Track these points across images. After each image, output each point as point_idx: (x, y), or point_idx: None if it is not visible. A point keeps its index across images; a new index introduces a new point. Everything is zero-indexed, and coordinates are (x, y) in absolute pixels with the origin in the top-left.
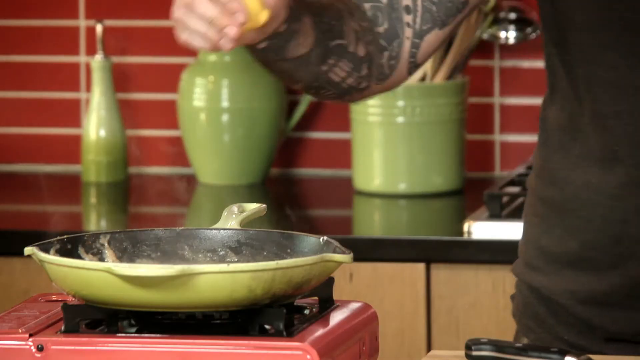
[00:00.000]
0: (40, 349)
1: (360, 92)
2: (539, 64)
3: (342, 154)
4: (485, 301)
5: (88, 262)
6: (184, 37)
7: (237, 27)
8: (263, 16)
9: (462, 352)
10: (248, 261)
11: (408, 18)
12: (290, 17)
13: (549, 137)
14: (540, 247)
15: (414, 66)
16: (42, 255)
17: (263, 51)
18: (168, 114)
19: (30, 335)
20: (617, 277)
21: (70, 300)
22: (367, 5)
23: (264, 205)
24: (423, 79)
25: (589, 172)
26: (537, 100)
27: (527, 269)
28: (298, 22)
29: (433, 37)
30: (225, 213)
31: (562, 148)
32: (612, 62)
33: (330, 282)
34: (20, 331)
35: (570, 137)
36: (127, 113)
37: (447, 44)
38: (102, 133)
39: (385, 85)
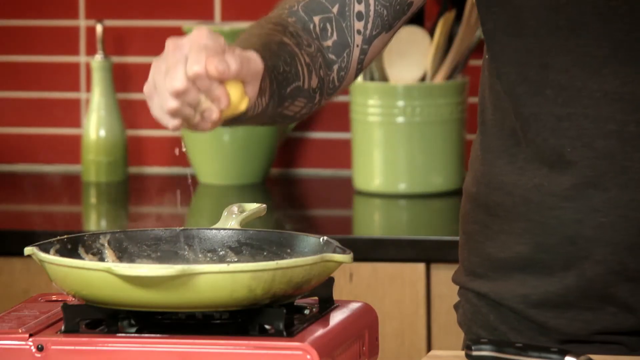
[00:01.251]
0: (40, 349)
1: (309, 112)
2: None
3: (342, 154)
4: None
5: (88, 262)
6: (156, 113)
7: (218, 112)
8: (243, 104)
9: (462, 352)
10: (248, 261)
11: (359, 25)
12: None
13: (490, 142)
14: (485, 255)
15: (359, 71)
16: (42, 255)
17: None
18: None
19: (30, 335)
20: (572, 278)
21: (70, 300)
22: (316, 19)
23: (264, 205)
24: (423, 79)
25: (538, 175)
26: None
27: (470, 277)
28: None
29: (379, 41)
30: (225, 213)
31: (506, 152)
32: (563, 65)
33: (330, 282)
34: (20, 331)
35: (514, 142)
36: (127, 113)
37: (447, 43)
38: (102, 133)
39: (332, 97)
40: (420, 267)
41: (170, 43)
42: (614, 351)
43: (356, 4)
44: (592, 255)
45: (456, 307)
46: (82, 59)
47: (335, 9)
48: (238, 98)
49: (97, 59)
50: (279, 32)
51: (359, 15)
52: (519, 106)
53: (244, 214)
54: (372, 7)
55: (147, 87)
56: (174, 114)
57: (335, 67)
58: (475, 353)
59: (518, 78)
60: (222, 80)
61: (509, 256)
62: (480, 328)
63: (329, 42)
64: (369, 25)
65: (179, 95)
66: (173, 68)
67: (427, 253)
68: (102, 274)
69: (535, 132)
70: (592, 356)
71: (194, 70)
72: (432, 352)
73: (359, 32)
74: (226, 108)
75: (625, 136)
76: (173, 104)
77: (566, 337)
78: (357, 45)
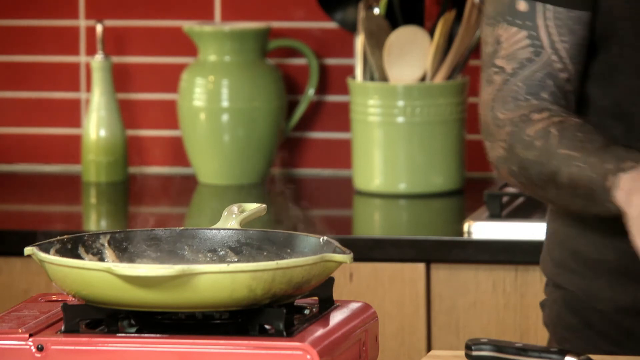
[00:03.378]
0: (40, 349)
1: None
2: None
3: (342, 154)
4: (485, 301)
5: (88, 262)
6: None
7: None
8: None
9: (462, 352)
10: (248, 261)
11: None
12: None
13: None
14: (576, 251)
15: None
16: (42, 255)
17: None
18: (168, 114)
19: (30, 335)
20: None
21: (70, 300)
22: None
23: (264, 205)
24: (423, 79)
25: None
26: None
27: (561, 270)
28: None
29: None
30: (225, 213)
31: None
32: None
33: (330, 282)
34: (20, 331)
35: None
36: (127, 113)
37: (447, 43)
38: (102, 133)
39: None
40: (420, 267)
41: None
42: None
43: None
44: None
45: (542, 305)
46: (82, 59)
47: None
48: None
49: (97, 59)
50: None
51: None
52: (617, 109)
53: (244, 214)
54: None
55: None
56: None
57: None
58: (475, 353)
59: (616, 83)
60: None
61: (599, 258)
62: (565, 330)
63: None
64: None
65: None
66: None
67: (427, 253)
68: (102, 274)
69: (629, 133)
70: (592, 356)
71: None
72: (432, 352)
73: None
74: None
75: None
76: None
77: None
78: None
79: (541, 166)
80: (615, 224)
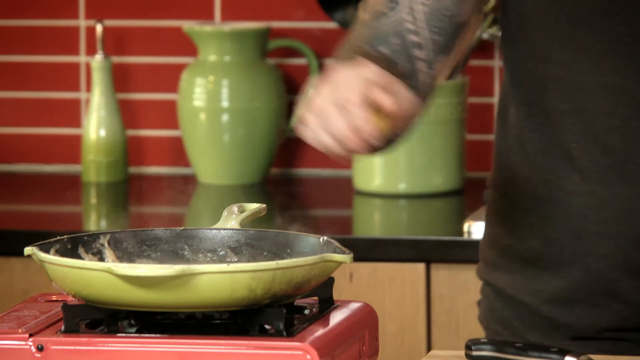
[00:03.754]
0: (40, 349)
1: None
2: None
3: None
4: None
5: (88, 262)
6: (313, 134)
7: (363, 148)
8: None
9: (462, 352)
10: (248, 261)
11: None
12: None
13: (506, 136)
14: (505, 246)
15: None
16: (42, 255)
17: None
18: (168, 114)
19: (30, 335)
20: (578, 274)
21: (70, 300)
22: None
23: (264, 205)
24: None
25: (545, 170)
26: None
27: (490, 269)
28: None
29: None
30: (225, 213)
31: (520, 146)
32: (564, 59)
33: (330, 282)
34: (20, 331)
35: (528, 137)
36: (127, 113)
37: None
38: (102, 133)
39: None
40: (420, 267)
41: (341, 74)
42: (622, 347)
43: None
44: (596, 250)
45: (479, 303)
46: (82, 59)
47: None
48: (384, 131)
49: (97, 59)
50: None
51: None
52: (529, 99)
53: (244, 214)
54: None
55: (311, 107)
56: (324, 148)
57: None
58: (475, 353)
59: (526, 72)
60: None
61: (523, 250)
62: (497, 324)
63: None
64: None
65: (337, 139)
66: (338, 109)
67: (427, 253)
68: (102, 274)
69: (544, 126)
70: (592, 356)
71: (358, 125)
72: (432, 352)
73: None
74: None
75: (628, 131)
76: (328, 142)
77: (575, 334)
78: None
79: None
80: (538, 213)
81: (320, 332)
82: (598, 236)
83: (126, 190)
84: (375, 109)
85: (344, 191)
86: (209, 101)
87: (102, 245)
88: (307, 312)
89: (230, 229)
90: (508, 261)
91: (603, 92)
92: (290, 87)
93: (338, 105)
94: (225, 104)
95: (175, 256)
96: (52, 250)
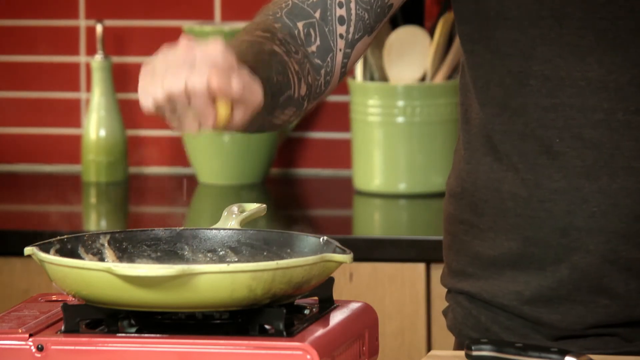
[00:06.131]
0: (40, 349)
1: (296, 119)
2: None
3: (342, 154)
4: None
5: (88, 262)
6: (142, 91)
7: (197, 127)
8: (224, 123)
9: (462, 352)
10: (248, 261)
11: (341, 29)
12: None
13: (472, 139)
14: (474, 253)
15: (343, 74)
16: (42, 255)
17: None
18: None
19: (30, 335)
20: (565, 271)
21: (70, 300)
22: (300, 25)
23: (264, 205)
24: (423, 79)
25: (522, 169)
26: None
27: (459, 278)
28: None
29: (362, 44)
30: (225, 213)
31: (491, 149)
32: (546, 55)
33: (330, 282)
34: (20, 331)
35: (499, 138)
36: (127, 113)
37: (447, 43)
38: (102, 133)
39: (317, 102)
40: (420, 267)
41: (185, 43)
42: (609, 343)
43: (337, 9)
44: (584, 246)
45: (445, 312)
46: (82, 59)
47: (317, 14)
48: (223, 118)
49: (97, 59)
50: (269, 40)
51: (341, 20)
52: (506, 98)
53: (244, 214)
54: (353, 12)
55: (146, 68)
56: (154, 105)
57: (322, 71)
58: (475, 353)
59: (502, 70)
60: (215, 98)
61: (499, 253)
62: (471, 330)
63: (314, 48)
64: (351, 29)
65: (170, 97)
66: (177, 69)
67: (427, 253)
68: (102, 274)
69: (522, 124)
70: (592, 356)
71: (195, 85)
72: (432, 352)
73: (341, 36)
74: (206, 127)
75: (613, 125)
76: (159, 98)
77: (560, 333)
78: (340, 50)
79: None
80: (516, 216)
81: (320, 332)
82: (586, 232)
83: (126, 190)
84: (212, 93)
85: (344, 191)
86: None
87: (102, 245)
88: (307, 312)
89: (230, 229)
90: (479, 268)
91: (587, 87)
92: None
93: (179, 66)
94: None
95: (175, 256)
96: (52, 250)
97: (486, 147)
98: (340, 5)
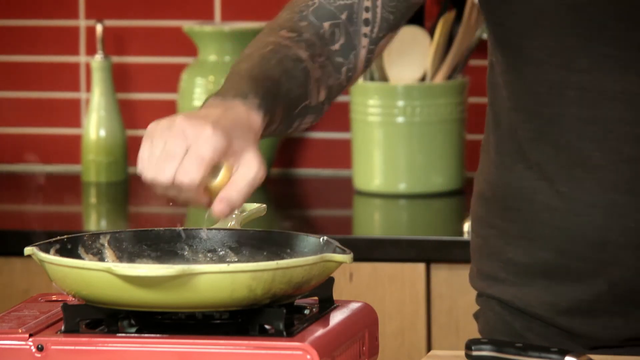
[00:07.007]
0: (40, 349)
1: (315, 122)
2: None
3: (342, 154)
4: None
5: (88, 262)
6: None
7: (196, 202)
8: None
9: (462, 352)
10: (248, 261)
11: (366, 29)
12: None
13: (507, 145)
14: (506, 259)
15: (366, 67)
16: (42, 255)
17: None
18: (168, 114)
19: (30, 335)
20: (602, 285)
21: (70, 300)
22: (326, 25)
23: (264, 205)
24: (423, 79)
25: (557, 180)
26: None
27: (489, 282)
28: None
29: (386, 40)
30: None
31: (522, 157)
32: (584, 66)
33: (330, 282)
34: (20, 331)
35: (529, 146)
36: (127, 113)
37: (447, 43)
38: (102, 133)
39: (342, 92)
40: (420, 267)
41: (180, 125)
42: None
43: (364, 12)
44: (621, 261)
45: (476, 316)
46: (82, 59)
47: (344, 16)
48: (220, 186)
49: (97, 59)
50: (294, 43)
51: (366, 22)
52: (539, 106)
53: (244, 214)
54: (379, 15)
55: (146, 141)
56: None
57: (344, 69)
58: (475, 353)
59: (536, 78)
60: (205, 187)
61: (532, 262)
62: (505, 336)
63: (337, 46)
64: (376, 30)
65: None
66: (166, 159)
67: (427, 253)
68: (102, 274)
69: (556, 134)
70: (592, 356)
71: (183, 180)
72: (432, 352)
73: (365, 35)
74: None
75: None
76: (151, 180)
77: (597, 344)
78: (364, 47)
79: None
80: (544, 229)
81: (320, 332)
82: (623, 247)
83: (126, 190)
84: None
85: (344, 191)
86: None
87: (102, 245)
88: (307, 312)
89: (230, 229)
90: (512, 274)
91: (628, 101)
92: None
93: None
94: None
95: (175, 256)
96: (52, 250)
97: (517, 154)
98: (367, 10)
